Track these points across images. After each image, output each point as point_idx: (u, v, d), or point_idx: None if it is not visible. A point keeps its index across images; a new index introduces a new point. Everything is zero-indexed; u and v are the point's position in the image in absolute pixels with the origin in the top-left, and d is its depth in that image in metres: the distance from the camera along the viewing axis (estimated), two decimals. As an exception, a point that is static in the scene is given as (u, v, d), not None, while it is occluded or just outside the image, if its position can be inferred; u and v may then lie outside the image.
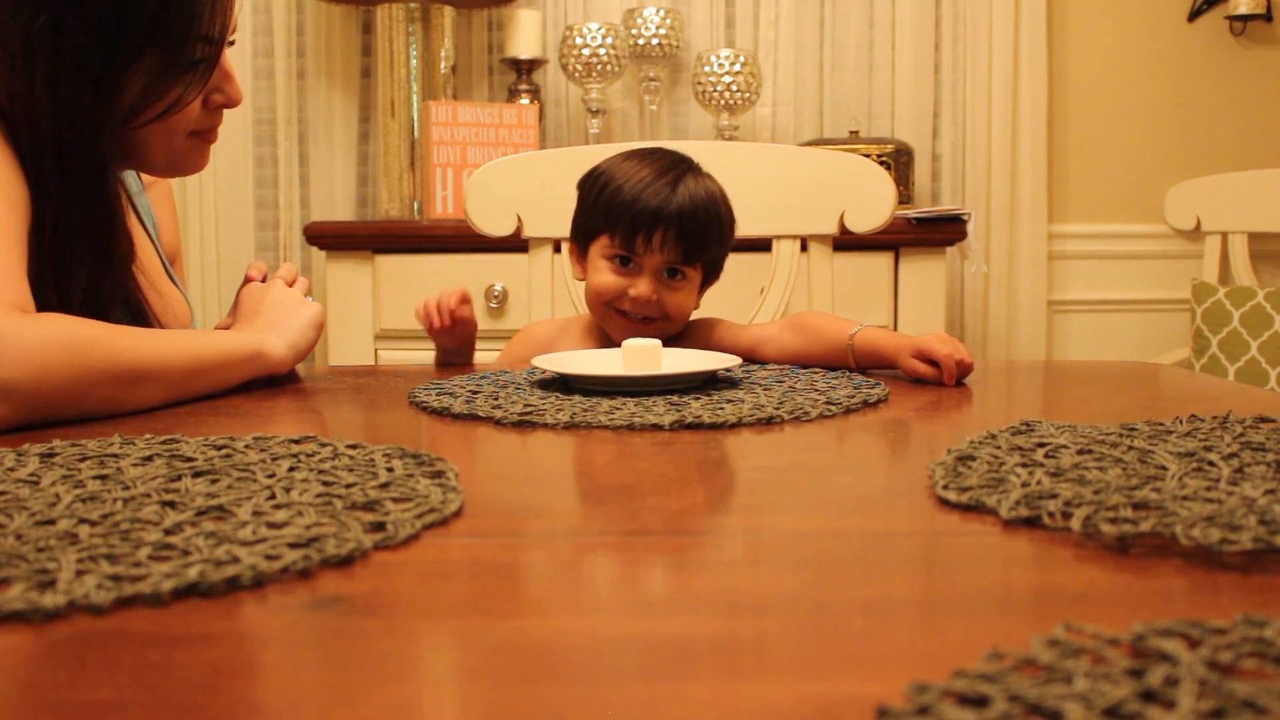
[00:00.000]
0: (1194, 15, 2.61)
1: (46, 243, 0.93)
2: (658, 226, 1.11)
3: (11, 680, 0.38)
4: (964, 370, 1.03)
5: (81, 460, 0.66)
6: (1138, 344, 2.63)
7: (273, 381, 1.04)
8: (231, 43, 1.01)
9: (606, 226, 1.14)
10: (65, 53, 0.91)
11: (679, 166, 1.15)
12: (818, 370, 1.06)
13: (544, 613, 0.45)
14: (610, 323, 1.16)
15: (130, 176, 1.17)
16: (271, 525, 0.52)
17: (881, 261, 2.19)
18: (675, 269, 1.13)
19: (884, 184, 1.44)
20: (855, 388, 0.96)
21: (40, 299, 0.90)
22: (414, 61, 2.36)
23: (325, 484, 0.60)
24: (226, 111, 1.06)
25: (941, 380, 1.02)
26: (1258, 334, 2.31)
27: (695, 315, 1.24)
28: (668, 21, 2.43)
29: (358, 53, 2.55)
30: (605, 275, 1.15)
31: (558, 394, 0.93)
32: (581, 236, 1.18)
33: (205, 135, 1.04)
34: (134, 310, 1.03)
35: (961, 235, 2.18)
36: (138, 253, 1.05)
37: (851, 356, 1.09)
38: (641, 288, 1.12)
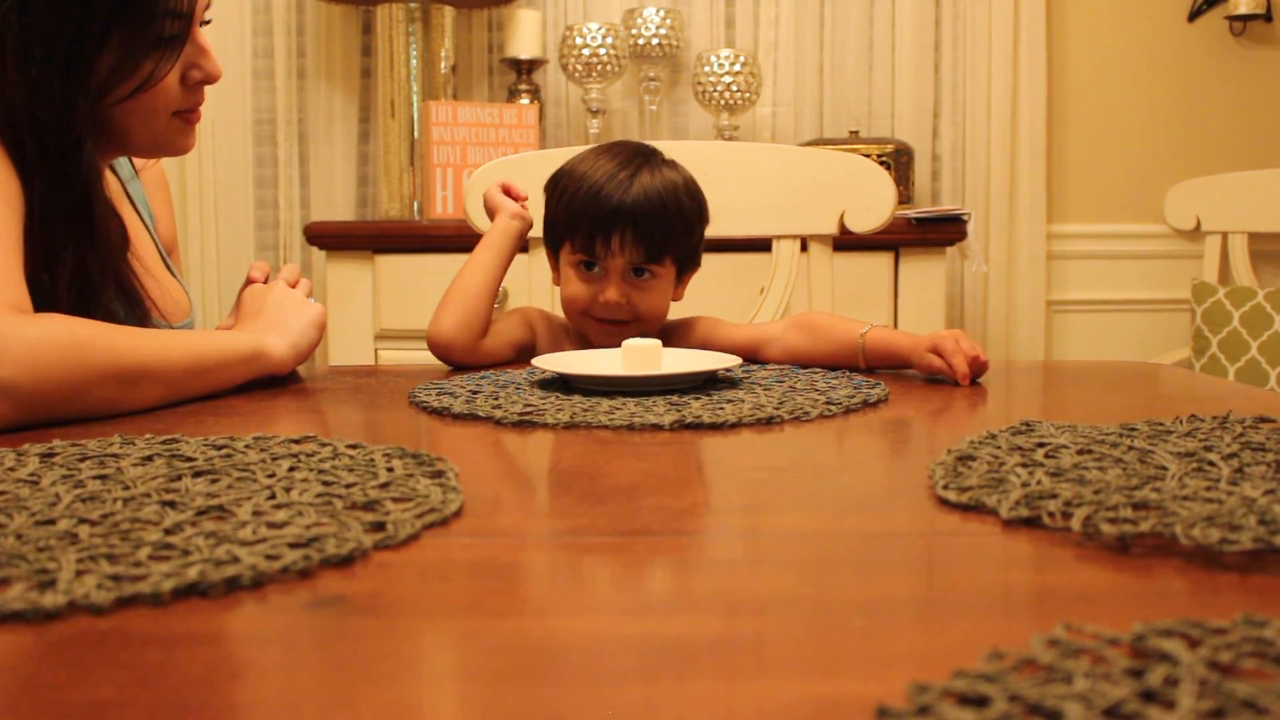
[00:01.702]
0: (1194, 15, 2.61)
1: (36, 226, 0.93)
2: (615, 229, 1.09)
3: (11, 680, 0.38)
4: (979, 368, 1.02)
5: (81, 460, 0.66)
6: (1138, 344, 2.63)
7: (273, 381, 1.04)
8: (207, 21, 1.01)
9: (568, 232, 1.13)
10: (33, 33, 0.91)
11: (634, 161, 1.12)
12: (818, 370, 1.06)
13: (544, 613, 0.45)
14: (588, 329, 1.16)
15: (122, 163, 1.17)
16: (271, 525, 0.52)
17: (881, 261, 2.19)
18: (642, 268, 1.12)
19: (884, 184, 1.44)
20: (855, 388, 0.96)
21: (31, 282, 0.90)
22: (414, 61, 2.36)
23: (325, 484, 0.60)
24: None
25: (955, 379, 1.01)
26: (1258, 334, 2.31)
27: (694, 313, 1.24)
28: (668, 21, 2.43)
29: (358, 53, 2.55)
30: (574, 285, 1.14)
31: (558, 394, 0.93)
32: (551, 241, 1.19)
33: (188, 115, 1.04)
34: (129, 296, 1.03)
35: (961, 235, 2.18)
36: (131, 239, 1.04)
37: (862, 357, 1.08)
38: (610, 293, 1.11)
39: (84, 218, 0.97)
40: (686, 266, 1.18)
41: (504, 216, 1.22)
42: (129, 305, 1.03)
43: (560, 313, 1.25)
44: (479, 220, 1.44)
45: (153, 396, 0.89)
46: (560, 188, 1.15)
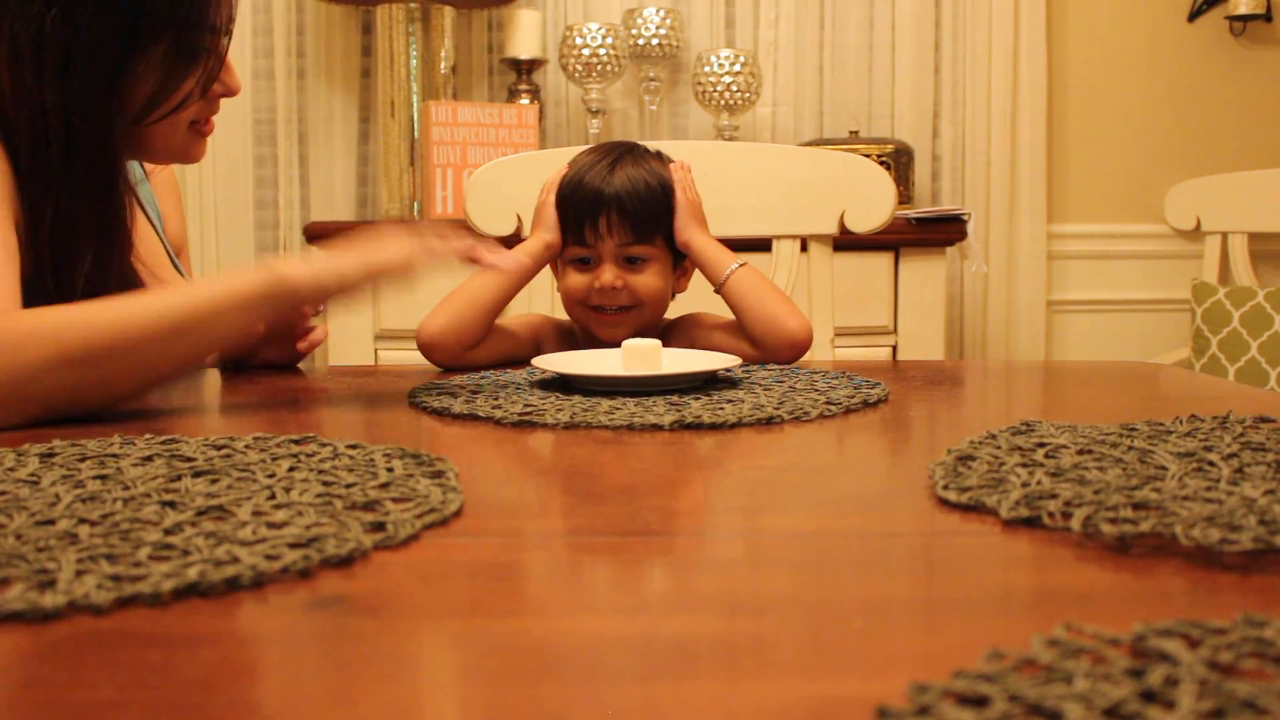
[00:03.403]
0: (1194, 15, 2.61)
1: (46, 235, 0.93)
2: (600, 212, 1.12)
3: (11, 680, 0.38)
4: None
5: (81, 460, 0.66)
6: (1138, 344, 2.63)
7: (272, 381, 1.04)
8: (228, 34, 1.01)
9: (561, 229, 1.16)
10: (77, 45, 0.91)
11: (616, 151, 1.16)
12: (818, 370, 1.06)
13: (544, 613, 0.45)
14: (591, 322, 1.17)
15: (131, 165, 1.16)
16: (271, 525, 0.52)
17: (881, 261, 2.19)
18: (634, 256, 1.14)
19: (884, 184, 1.44)
20: (855, 388, 0.96)
21: (39, 291, 0.89)
22: (414, 61, 2.36)
23: (325, 484, 0.60)
24: (226, 109, 1.06)
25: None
26: (1258, 334, 2.31)
27: (691, 309, 1.24)
28: (668, 21, 2.43)
29: (358, 53, 2.55)
30: (572, 277, 1.16)
31: (558, 394, 0.93)
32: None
33: (202, 126, 1.04)
34: None
35: (961, 235, 2.18)
36: (136, 243, 1.04)
37: (730, 296, 1.15)
38: (605, 276, 1.13)
39: (108, 232, 0.97)
40: (683, 253, 1.18)
41: (537, 239, 1.17)
42: None
43: (565, 315, 1.26)
44: (479, 221, 1.44)
45: (123, 372, 0.83)
46: (557, 192, 1.17)
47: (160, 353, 0.85)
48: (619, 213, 1.12)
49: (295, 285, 0.89)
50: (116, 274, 0.98)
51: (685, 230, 1.16)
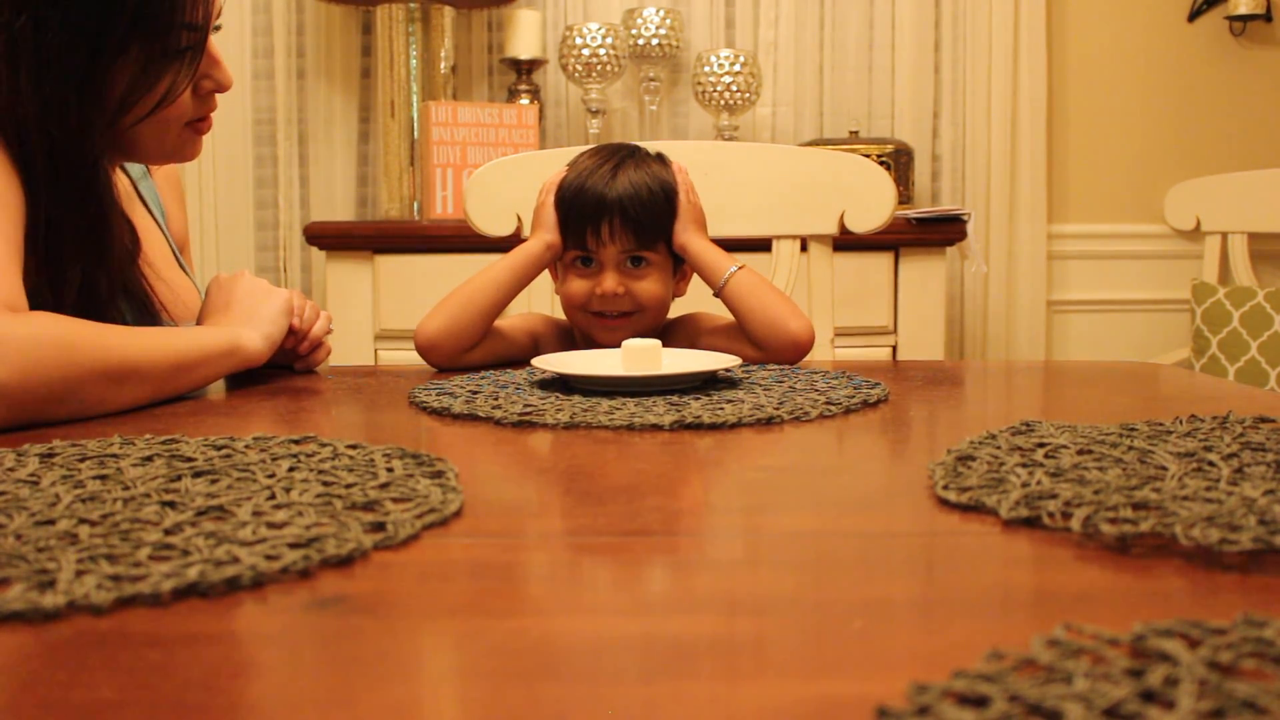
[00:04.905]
0: (1194, 15, 2.61)
1: (39, 242, 0.93)
2: (603, 217, 1.11)
3: (11, 680, 0.38)
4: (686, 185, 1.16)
5: (81, 460, 0.66)
6: (1138, 344, 2.63)
7: (272, 381, 1.04)
8: (217, 28, 0.99)
9: (562, 233, 1.15)
10: (48, 50, 0.90)
11: (618, 155, 1.15)
12: (818, 370, 1.06)
13: (544, 613, 0.45)
14: (592, 327, 1.17)
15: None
16: (271, 525, 0.52)
17: (881, 261, 2.19)
18: (637, 257, 1.14)
19: (884, 184, 1.44)
20: (855, 388, 0.96)
21: (34, 299, 0.90)
22: (414, 61, 2.36)
23: (325, 484, 0.60)
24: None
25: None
26: (1258, 334, 2.31)
27: (690, 309, 1.24)
28: (668, 21, 2.43)
29: (358, 53, 2.55)
30: (573, 282, 1.16)
31: (558, 394, 0.93)
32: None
33: (199, 124, 1.03)
34: (139, 303, 1.02)
35: (961, 235, 2.18)
36: (142, 242, 1.04)
37: (729, 298, 1.15)
38: (607, 283, 1.13)
39: (95, 234, 0.96)
40: (683, 258, 1.18)
41: (538, 239, 1.17)
42: (138, 311, 1.02)
43: (562, 314, 1.26)
44: (479, 221, 1.44)
45: (139, 395, 0.88)
46: (557, 194, 1.16)
47: (166, 384, 0.91)
48: (622, 219, 1.11)
49: (251, 354, 1.00)
50: (111, 280, 0.98)
51: (683, 234, 1.15)
